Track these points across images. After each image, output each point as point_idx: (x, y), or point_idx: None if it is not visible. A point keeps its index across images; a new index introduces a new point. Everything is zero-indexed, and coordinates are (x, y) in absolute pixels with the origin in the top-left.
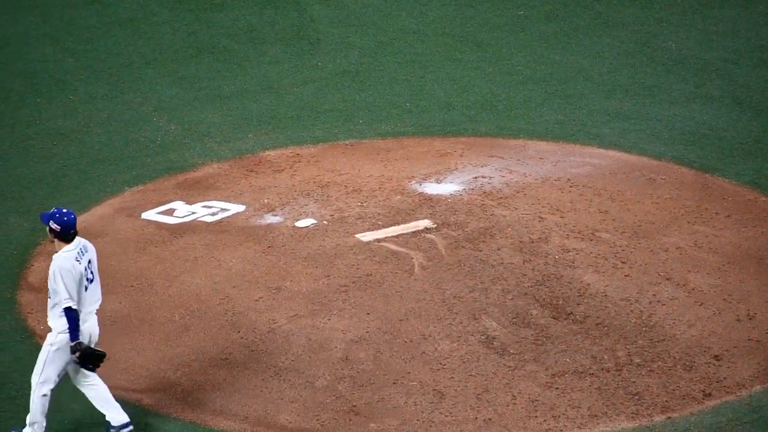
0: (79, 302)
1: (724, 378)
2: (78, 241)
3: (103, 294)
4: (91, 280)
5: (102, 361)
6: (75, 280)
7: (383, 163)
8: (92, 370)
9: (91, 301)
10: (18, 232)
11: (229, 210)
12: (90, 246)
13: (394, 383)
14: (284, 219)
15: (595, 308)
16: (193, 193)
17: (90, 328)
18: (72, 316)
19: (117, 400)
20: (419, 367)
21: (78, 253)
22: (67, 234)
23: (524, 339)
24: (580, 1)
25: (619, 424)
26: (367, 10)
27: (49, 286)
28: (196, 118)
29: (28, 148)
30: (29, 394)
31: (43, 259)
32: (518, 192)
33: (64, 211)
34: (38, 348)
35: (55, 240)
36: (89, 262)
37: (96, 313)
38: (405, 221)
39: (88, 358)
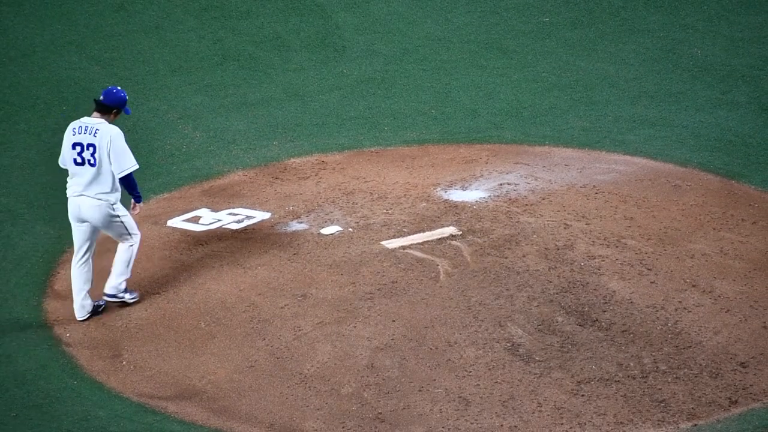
0: (69, 170)
1: (751, 385)
2: (86, 120)
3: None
4: (81, 163)
5: None
6: (64, 144)
7: (408, 170)
8: None
9: (78, 181)
10: (44, 239)
11: (254, 217)
12: (103, 131)
13: (420, 390)
14: (309, 226)
15: (620, 315)
16: (218, 200)
17: (77, 203)
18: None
19: (142, 407)
20: (445, 375)
21: (72, 129)
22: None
23: (550, 346)
24: (606, 8)
25: (645, 431)
26: (393, 17)
27: None
28: (221, 126)
29: (54, 156)
30: (55, 402)
31: (69, 267)
32: (544, 199)
33: (118, 87)
34: (65, 355)
35: None
36: (89, 144)
37: (91, 197)
38: (430, 228)
39: None
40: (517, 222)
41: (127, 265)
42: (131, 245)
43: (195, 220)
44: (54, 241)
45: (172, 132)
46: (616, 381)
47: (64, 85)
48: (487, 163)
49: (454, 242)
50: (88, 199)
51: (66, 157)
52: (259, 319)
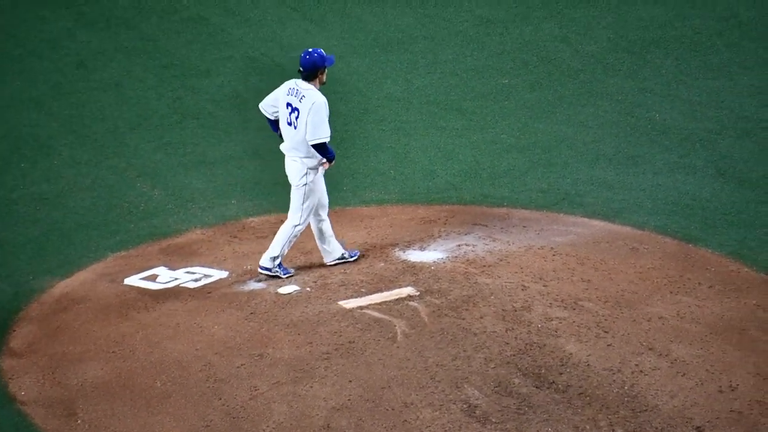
0: (282, 129)
1: None
2: (297, 83)
3: (88, 359)
4: (290, 124)
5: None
6: (272, 96)
7: (367, 230)
8: None
9: (285, 144)
10: (0, 297)
11: (212, 276)
12: (308, 98)
13: None
14: (267, 285)
15: (577, 378)
16: (176, 258)
17: (285, 162)
18: (268, 121)
19: None
20: None
21: (288, 88)
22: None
23: (506, 408)
24: (565, 71)
25: None
26: (352, 77)
27: None
28: (180, 184)
29: (12, 213)
30: None
31: (26, 325)
32: (501, 260)
33: (310, 50)
34: (19, 414)
35: None
36: (295, 108)
37: (292, 158)
38: (388, 288)
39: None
40: (475, 283)
41: (287, 244)
42: (296, 225)
43: (152, 278)
44: (10, 299)
45: (130, 190)
46: None
47: (23, 142)
48: (445, 223)
49: (411, 303)
50: (290, 159)
51: (280, 112)
52: (215, 378)
